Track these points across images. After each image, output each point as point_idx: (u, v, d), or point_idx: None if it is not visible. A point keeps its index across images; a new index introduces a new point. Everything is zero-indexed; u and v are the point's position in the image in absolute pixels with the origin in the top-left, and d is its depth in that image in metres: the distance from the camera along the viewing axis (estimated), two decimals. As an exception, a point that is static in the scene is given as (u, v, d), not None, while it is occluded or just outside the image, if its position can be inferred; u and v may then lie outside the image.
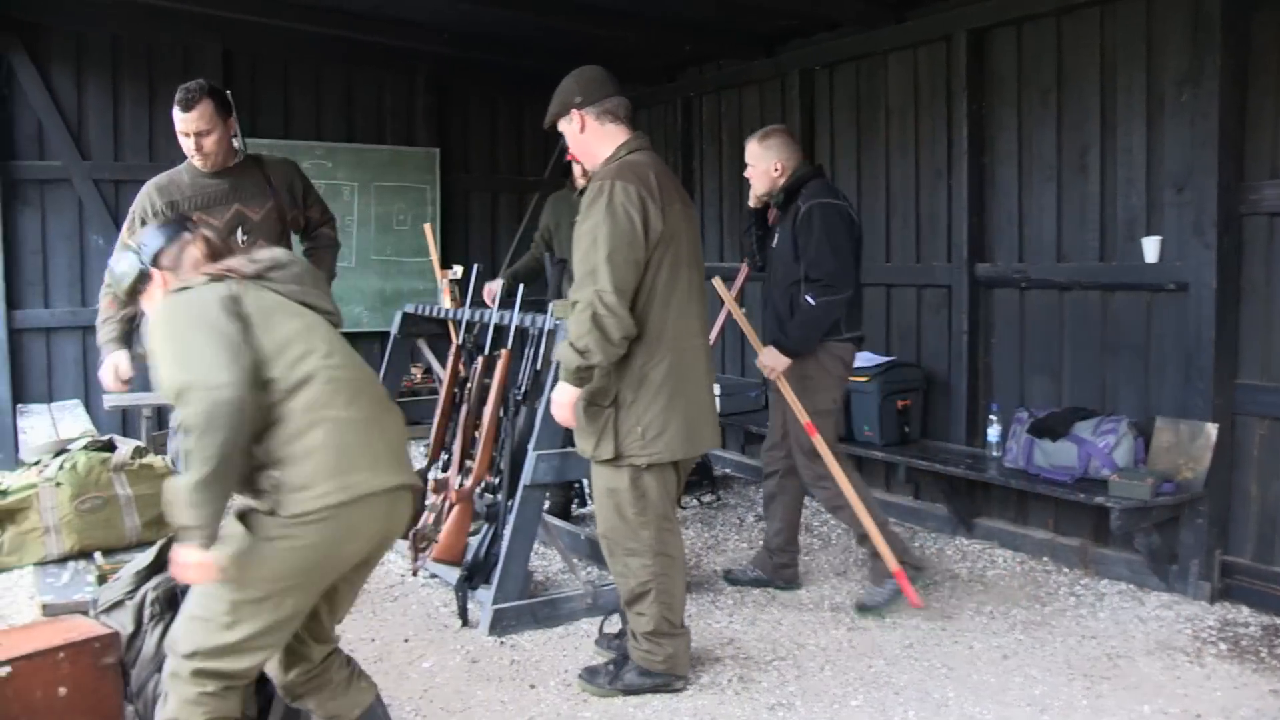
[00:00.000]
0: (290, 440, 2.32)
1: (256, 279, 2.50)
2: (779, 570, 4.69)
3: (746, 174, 4.55)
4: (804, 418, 4.26)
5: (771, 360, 4.30)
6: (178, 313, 2.40)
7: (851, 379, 5.58)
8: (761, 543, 4.86)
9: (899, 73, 5.96)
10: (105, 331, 4.05)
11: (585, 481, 5.41)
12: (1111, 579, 4.74)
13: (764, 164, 4.44)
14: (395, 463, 2.48)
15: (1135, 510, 4.32)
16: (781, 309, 4.45)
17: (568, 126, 3.48)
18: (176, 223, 2.72)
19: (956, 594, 4.61)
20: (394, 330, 5.52)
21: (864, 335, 4.67)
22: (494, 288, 5.05)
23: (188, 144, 4.08)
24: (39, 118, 7.18)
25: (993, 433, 5.21)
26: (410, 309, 5.46)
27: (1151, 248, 4.64)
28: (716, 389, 4.93)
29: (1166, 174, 4.64)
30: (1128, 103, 4.78)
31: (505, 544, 4.12)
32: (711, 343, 4.11)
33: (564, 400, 3.40)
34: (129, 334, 4.01)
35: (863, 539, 4.38)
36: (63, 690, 2.80)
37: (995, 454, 5.17)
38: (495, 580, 4.11)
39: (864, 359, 5.75)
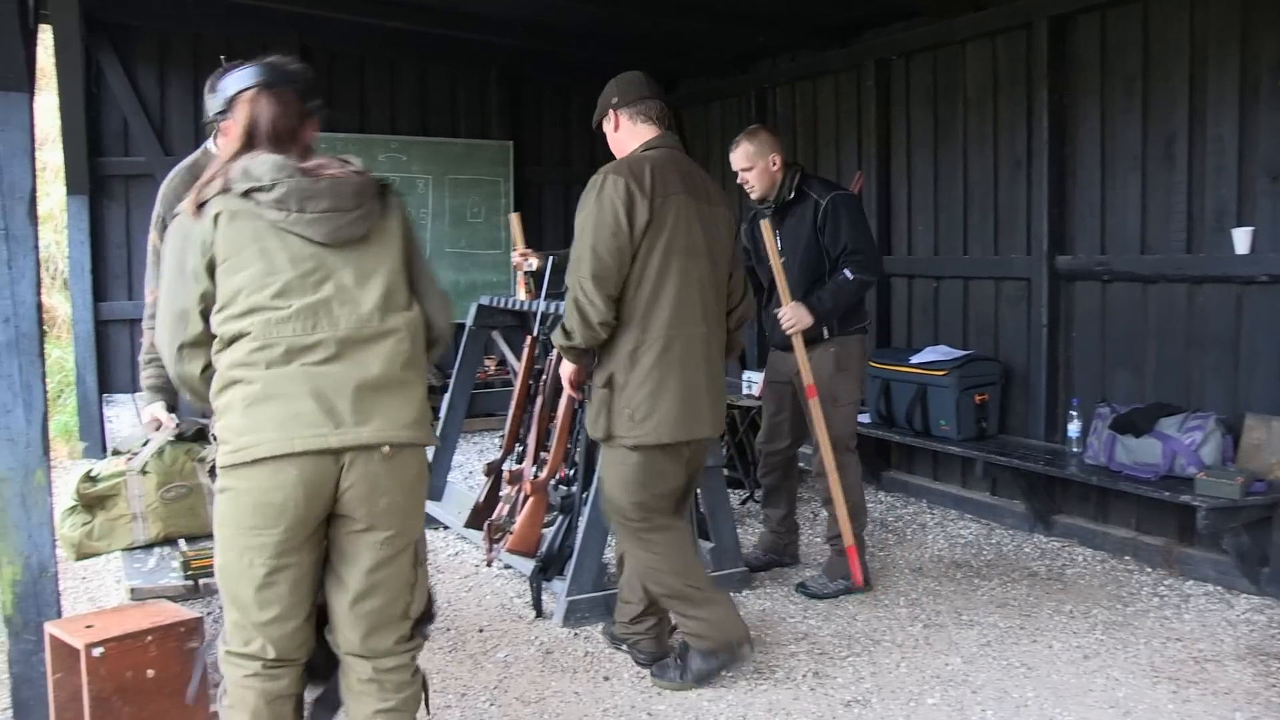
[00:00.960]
0: (216, 393, 2.35)
1: (244, 198, 2.34)
2: (786, 549, 4.89)
3: (742, 179, 4.53)
4: (809, 379, 4.40)
5: (795, 315, 4.37)
6: (168, 243, 2.45)
7: (927, 372, 5.56)
8: (763, 529, 4.98)
9: (977, 62, 5.85)
10: (146, 376, 3.80)
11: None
12: (1197, 580, 4.61)
13: (762, 160, 4.44)
14: (328, 420, 2.29)
15: (1224, 510, 4.20)
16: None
17: (607, 126, 3.66)
18: None
19: (1035, 592, 4.53)
20: (469, 322, 5.56)
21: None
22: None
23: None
24: (125, 115, 7.39)
25: (1073, 428, 5.11)
26: (485, 301, 5.50)
27: (1243, 239, 4.50)
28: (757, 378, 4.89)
29: (1260, 162, 4.49)
30: (1219, 89, 4.63)
31: (580, 536, 4.13)
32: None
33: (564, 373, 3.78)
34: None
35: (834, 539, 4.52)
36: (150, 672, 2.86)
37: (1075, 450, 5.07)
38: (569, 572, 4.13)
39: (940, 352, 5.68)
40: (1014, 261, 5.64)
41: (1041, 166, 5.39)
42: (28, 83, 3.07)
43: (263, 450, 2.26)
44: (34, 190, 3.08)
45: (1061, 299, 5.40)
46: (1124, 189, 5.08)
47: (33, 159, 3.07)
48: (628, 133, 3.60)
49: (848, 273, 4.35)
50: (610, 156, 3.64)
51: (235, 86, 2.45)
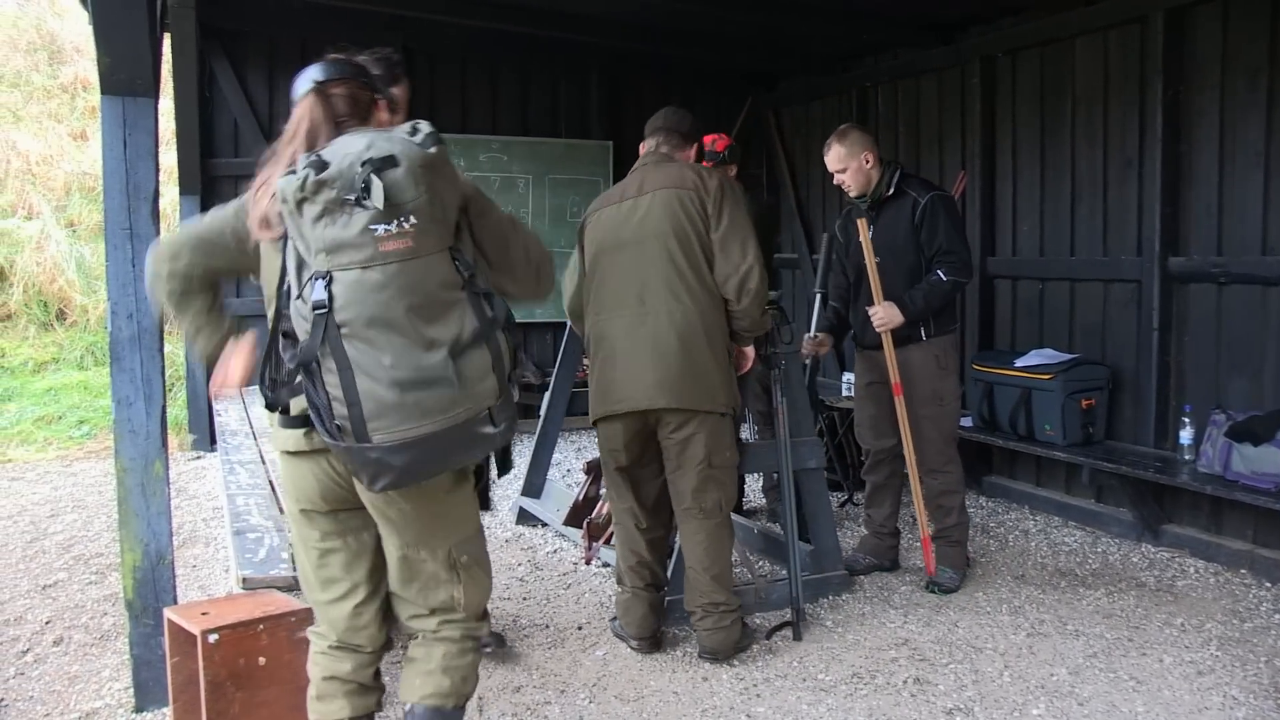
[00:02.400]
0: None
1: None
2: (887, 552, 4.83)
3: (838, 180, 4.55)
4: (895, 377, 4.46)
5: (887, 314, 4.40)
6: None
7: (1032, 376, 5.44)
8: (864, 531, 4.97)
9: (1087, 57, 5.69)
10: None
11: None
12: (1320, 595, 4.43)
13: (855, 160, 4.46)
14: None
15: (1349, 522, 4.02)
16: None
17: None
18: None
19: (1143, 603, 4.39)
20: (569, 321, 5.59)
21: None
22: None
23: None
24: (235, 117, 7.61)
25: (1185, 435, 4.95)
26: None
27: (1372, 240, 4.31)
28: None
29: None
30: (1348, 83, 4.44)
31: (679, 536, 4.13)
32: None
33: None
34: None
35: (944, 530, 4.58)
36: (262, 660, 2.94)
37: (1188, 457, 4.90)
38: (670, 571, 4.13)
39: (1045, 355, 5.55)
40: (1124, 263, 5.48)
41: (1154, 165, 5.22)
42: (154, 89, 3.19)
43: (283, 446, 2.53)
44: (157, 191, 3.21)
45: (1174, 301, 5.22)
46: (1244, 188, 4.89)
47: (157, 161, 3.19)
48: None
49: (941, 274, 4.37)
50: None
51: (294, 93, 2.51)
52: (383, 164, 2.14)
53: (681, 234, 3.65)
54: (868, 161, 4.46)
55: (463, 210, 2.36)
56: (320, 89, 2.44)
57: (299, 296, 2.24)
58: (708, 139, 4.86)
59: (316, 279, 2.20)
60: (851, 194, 4.57)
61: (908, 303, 4.39)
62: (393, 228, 2.15)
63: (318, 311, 2.18)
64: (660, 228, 3.67)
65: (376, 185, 2.12)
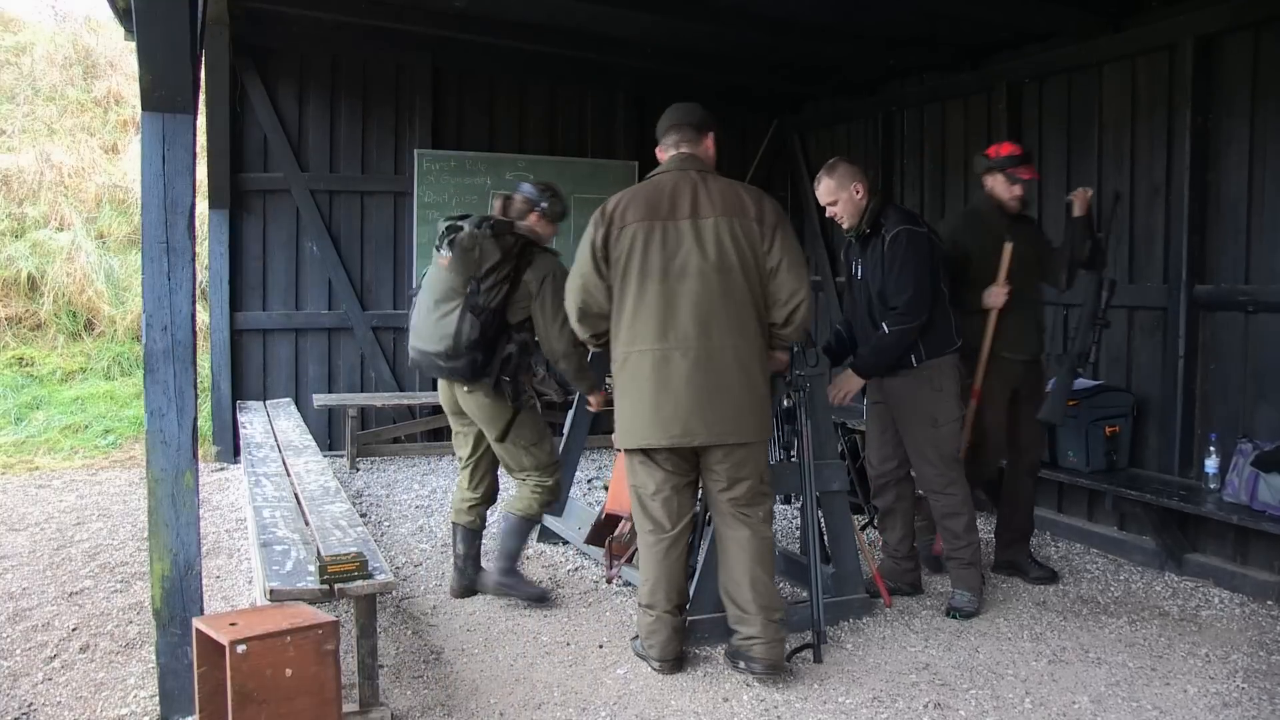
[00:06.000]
0: None
1: None
2: (906, 576, 4.81)
3: (830, 213, 4.58)
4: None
5: (843, 386, 4.57)
6: None
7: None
8: (883, 555, 4.97)
9: (1114, 85, 5.70)
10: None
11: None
12: (1347, 628, 4.39)
13: (844, 191, 4.48)
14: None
15: (1377, 555, 3.99)
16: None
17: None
18: None
19: (1166, 633, 4.36)
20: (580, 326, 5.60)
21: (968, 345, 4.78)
22: None
23: None
24: (265, 133, 7.70)
25: (1210, 464, 4.93)
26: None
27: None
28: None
29: None
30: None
31: (702, 556, 4.13)
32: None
33: None
34: None
35: (954, 552, 4.59)
36: (289, 671, 2.96)
37: (1213, 486, 4.88)
38: (691, 592, 4.13)
39: (1070, 382, 5.52)
40: (1149, 290, 5.47)
41: (1182, 192, 5.23)
42: (194, 107, 3.24)
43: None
44: (193, 205, 3.25)
45: (1201, 329, 5.21)
46: (1273, 215, 4.88)
47: (193, 176, 3.24)
48: (661, 162, 3.91)
49: (885, 327, 4.40)
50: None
51: None
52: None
53: (747, 267, 3.68)
54: (858, 193, 4.47)
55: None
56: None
57: None
58: None
59: None
60: (844, 226, 4.58)
61: (858, 365, 4.55)
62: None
63: None
64: (727, 261, 3.66)
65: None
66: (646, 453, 3.79)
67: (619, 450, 3.97)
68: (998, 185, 4.81)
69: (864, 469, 6.06)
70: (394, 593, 4.71)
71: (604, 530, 4.63)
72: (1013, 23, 5.86)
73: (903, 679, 3.84)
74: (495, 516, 5.10)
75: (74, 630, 4.25)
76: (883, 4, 5.68)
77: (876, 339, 4.47)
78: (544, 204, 4.53)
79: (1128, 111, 5.61)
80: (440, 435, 8.27)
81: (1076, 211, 4.82)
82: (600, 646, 4.14)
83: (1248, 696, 3.73)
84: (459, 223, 4.40)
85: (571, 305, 3.85)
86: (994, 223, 4.82)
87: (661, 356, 3.67)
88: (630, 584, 4.68)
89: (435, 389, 8.13)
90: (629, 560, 4.44)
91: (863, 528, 5.84)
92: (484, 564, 4.72)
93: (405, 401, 7.86)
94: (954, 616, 4.49)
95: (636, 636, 3.99)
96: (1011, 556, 5.08)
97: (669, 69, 7.67)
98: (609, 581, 4.71)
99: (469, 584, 4.70)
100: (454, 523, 4.70)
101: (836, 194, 4.50)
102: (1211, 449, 4.94)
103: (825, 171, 4.53)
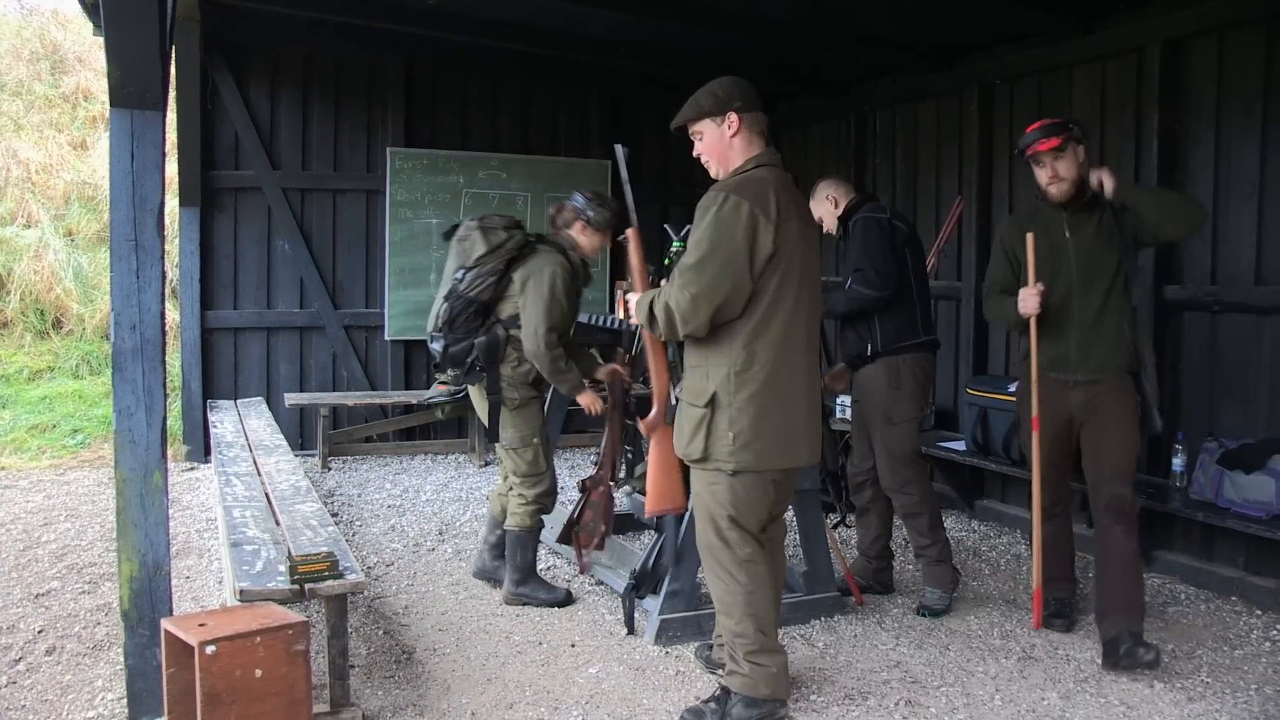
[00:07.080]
0: None
1: None
2: (878, 575, 4.87)
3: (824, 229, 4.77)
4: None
5: (834, 381, 4.67)
6: None
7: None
8: (856, 551, 5.03)
9: (1084, 86, 5.75)
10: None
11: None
12: (1310, 624, 4.45)
13: (822, 207, 4.75)
14: None
15: (1341, 552, 4.05)
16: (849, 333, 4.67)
17: (715, 128, 3.43)
18: None
19: (1136, 630, 4.41)
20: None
21: (939, 341, 4.79)
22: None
23: None
24: (236, 130, 7.65)
25: (1177, 462, 4.98)
26: (583, 319, 5.53)
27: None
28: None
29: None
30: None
31: (673, 555, 4.14)
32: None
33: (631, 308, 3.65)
34: None
35: (921, 550, 4.63)
36: (259, 672, 2.95)
37: (1179, 485, 4.94)
38: (663, 590, 4.14)
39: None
40: (1118, 290, 5.51)
41: (1150, 193, 5.27)
42: (163, 103, 3.21)
43: None
44: (162, 203, 3.22)
45: (1168, 330, 5.26)
46: (1239, 217, 4.94)
47: (163, 174, 3.21)
48: (741, 141, 3.40)
49: (849, 283, 4.54)
50: (696, 163, 3.54)
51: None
52: None
53: (820, 280, 3.58)
54: (835, 204, 4.74)
55: None
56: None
57: None
58: None
59: None
60: (833, 234, 4.80)
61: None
62: None
63: None
64: (816, 272, 3.46)
65: None
66: (764, 474, 3.36)
67: (703, 464, 3.38)
68: (1034, 173, 4.23)
69: (835, 469, 6.09)
70: (365, 592, 4.70)
71: (574, 529, 4.61)
72: (985, 24, 5.89)
73: (874, 677, 3.86)
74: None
75: (40, 632, 4.20)
76: (857, 5, 5.71)
77: (840, 291, 4.59)
78: (589, 213, 4.59)
79: (1097, 112, 5.66)
80: (412, 434, 8.25)
81: (1109, 194, 3.96)
82: (572, 645, 4.13)
83: (1212, 691, 3.77)
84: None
85: (703, 306, 3.22)
86: (1048, 215, 4.17)
87: (809, 367, 3.40)
88: (602, 582, 4.67)
89: (407, 388, 8.19)
90: (599, 547, 4.41)
91: (834, 526, 5.87)
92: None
93: (377, 400, 7.82)
94: (925, 615, 4.52)
95: (719, 698, 3.52)
96: (1111, 634, 3.94)
97: (643, 68, 7.67)
98: (581, 573, 4.71)
99: (483, 567, 4.87)
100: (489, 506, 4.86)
101: (818, 211, 4.74)
102: (1178, 447, 5.00)
103: (809, 195, 4.68)
